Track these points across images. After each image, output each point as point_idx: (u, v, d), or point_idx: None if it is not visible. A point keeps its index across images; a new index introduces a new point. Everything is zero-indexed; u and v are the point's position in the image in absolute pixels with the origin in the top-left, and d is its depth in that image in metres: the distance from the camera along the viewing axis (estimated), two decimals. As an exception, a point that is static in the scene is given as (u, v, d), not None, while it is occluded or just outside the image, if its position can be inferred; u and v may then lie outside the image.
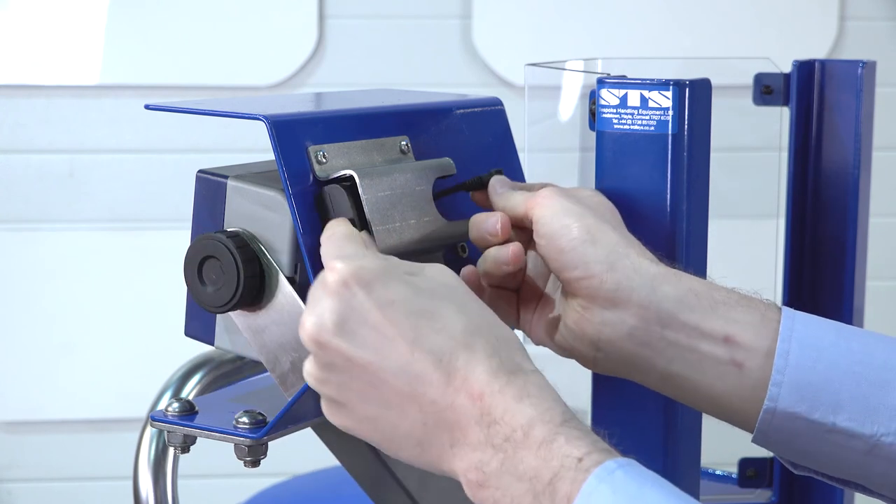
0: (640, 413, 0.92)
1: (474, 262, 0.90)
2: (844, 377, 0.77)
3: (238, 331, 0.84)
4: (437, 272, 0.75)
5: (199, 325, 0.86)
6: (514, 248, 0.83)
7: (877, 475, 0.79)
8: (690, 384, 0.80)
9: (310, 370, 0.73)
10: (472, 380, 0.70)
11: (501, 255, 0.83)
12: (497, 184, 0.86)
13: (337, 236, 0.76)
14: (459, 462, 0.70)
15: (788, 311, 0.80)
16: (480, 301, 0.75)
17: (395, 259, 0.75)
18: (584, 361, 0.84)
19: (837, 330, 0.80)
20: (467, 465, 0.69)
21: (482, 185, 0.88)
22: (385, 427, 0.72)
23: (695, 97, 0.89)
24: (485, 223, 0.84)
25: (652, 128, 0.89)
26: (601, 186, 0.92)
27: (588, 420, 0.93)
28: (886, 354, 0.79)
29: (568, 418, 0.68)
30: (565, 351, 0.84)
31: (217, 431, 0.82)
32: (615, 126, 0.90)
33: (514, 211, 0.84)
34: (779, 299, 1.17)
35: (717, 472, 1.23)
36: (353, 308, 0.71)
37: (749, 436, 0.82)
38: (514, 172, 0.96)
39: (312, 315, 0.72)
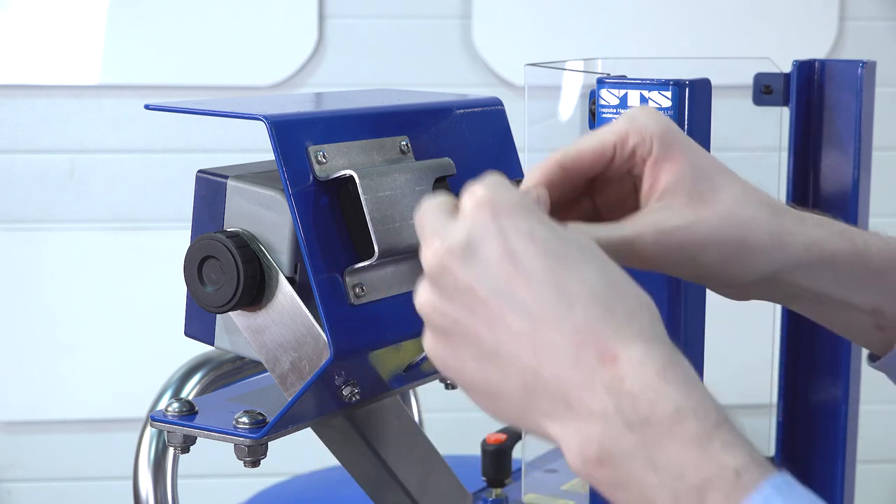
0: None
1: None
2: None
3: (238, 331, 0.84)
4: (577, 232, 0.66)
5: (199, 325, 0.86)
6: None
7: None
8: (828, 324, 0.80)
9: (424, 296, 0.65)
10: (607, 338, 0.61)
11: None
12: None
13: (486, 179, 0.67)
14: (571, 430, 0.61)
15: None
16: (620, 268, 0.65)
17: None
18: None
19: None
20: (584, 437, 0.61)
21: None
22: (490, 374, 0.63)
23: (695, 97, 0.89)
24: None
25: (652, 128, 0.88)
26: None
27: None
28: None
29: (722, 418, 0.60)
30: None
31: (217, 431, 0.82)
32: (615, 126, 0.89)
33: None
34: (779, 299, 1.17)
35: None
36: (488, 232, 0.63)
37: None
38: (514, 172, 0.96)
39: (438, 237, 0.64)
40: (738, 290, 0.77)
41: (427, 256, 0.64)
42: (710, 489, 0.58)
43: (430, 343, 0.66)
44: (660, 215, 0.73)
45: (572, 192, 0.76)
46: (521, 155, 0.98)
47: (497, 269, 0.63)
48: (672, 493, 0.59)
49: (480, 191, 0.64)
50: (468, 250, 0.63)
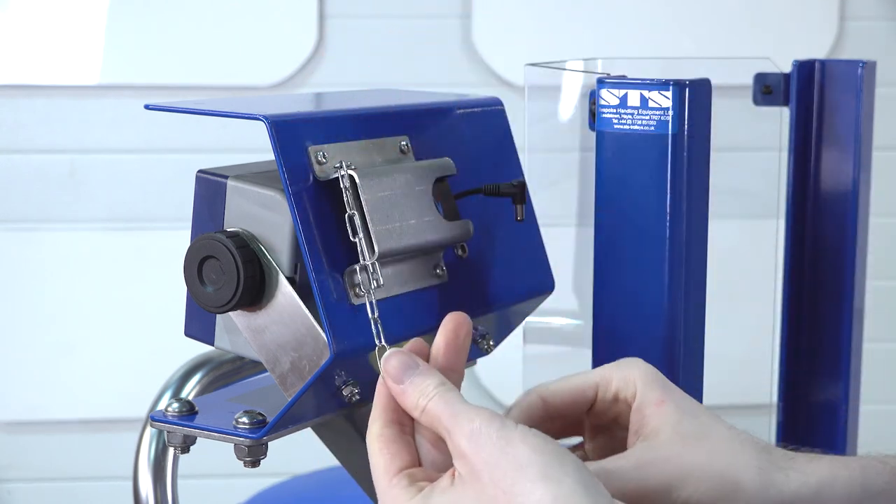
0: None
1: (475, 262, 0.90)
2: None
3: (238, 331, 0.84)
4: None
5: (198, 325, 0.86)
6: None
7: None
8: None
9: None
10: None
11: None
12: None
13: (373, 469, 0.72)
14: None
15: None
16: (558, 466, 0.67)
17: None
18: None
19: None
20: None
21: (499, 192, 0.89)
22: None
23: (695, 97, 0.89)
24: None
25: (652, 128, 0.89)
26: (601, 187, 0.92)
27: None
28: None
29: None
30: None
31: (217, 431, 0.82)
32: (615, 126, 0.90)
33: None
34: (779, 299, 1.17)
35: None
36: None
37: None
38: (514, 172, 0.96)
39: None
40: None
41: None
42: None
43: None
44: (642, 446, 0.75)
45: (560, 431, 0.79)
46: (521, 155, 0.98)
47: None
48: None
49: None
50: None
